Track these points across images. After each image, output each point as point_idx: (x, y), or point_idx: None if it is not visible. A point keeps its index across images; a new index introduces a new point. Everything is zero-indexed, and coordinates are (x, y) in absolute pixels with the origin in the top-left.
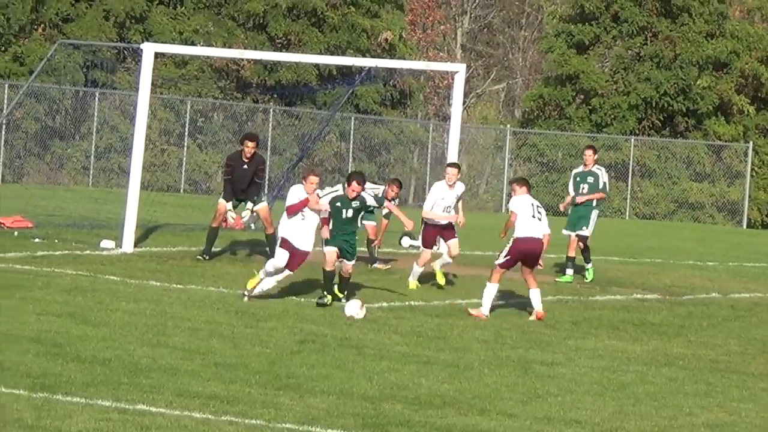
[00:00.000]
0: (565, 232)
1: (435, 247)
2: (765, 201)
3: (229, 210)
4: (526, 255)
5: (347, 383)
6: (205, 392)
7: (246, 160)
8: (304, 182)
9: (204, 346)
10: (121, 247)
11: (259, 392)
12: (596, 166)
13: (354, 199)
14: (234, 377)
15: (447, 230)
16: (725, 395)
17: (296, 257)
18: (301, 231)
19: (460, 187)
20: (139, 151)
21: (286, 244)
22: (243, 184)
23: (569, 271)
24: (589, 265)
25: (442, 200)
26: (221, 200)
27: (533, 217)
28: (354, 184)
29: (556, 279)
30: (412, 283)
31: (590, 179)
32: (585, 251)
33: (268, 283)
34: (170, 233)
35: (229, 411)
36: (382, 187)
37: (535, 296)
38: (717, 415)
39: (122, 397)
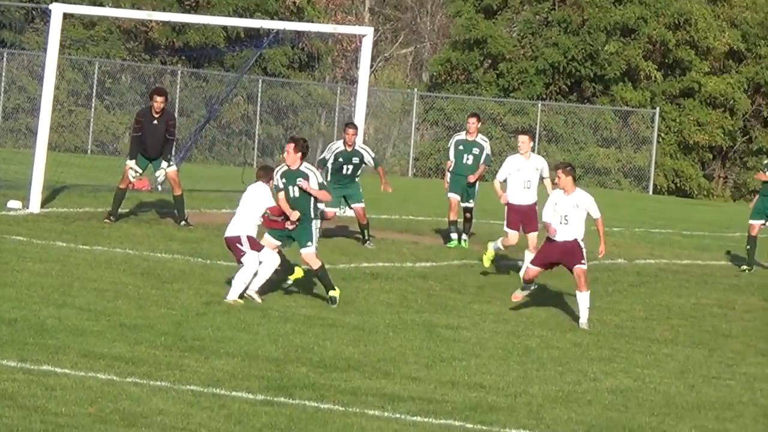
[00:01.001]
0: (451, 195)
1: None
2: (671, 167)
3: (131, 168)
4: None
5: (252, 345)
6: (110, 353)
7: (156, 116)
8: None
9: (110, 307)
10: (27, 208)
11: (164, 354)
12: (480, 136)
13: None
14: (139, 338)
15: (529, 219)
16: (629, 361)
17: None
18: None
19: (538, 161)
20: (46, 112)
21: (255, 242)
22: (153, 141)
23: (454, 236)
24: (467, 237)
25: (517, 172)
26: (128, 161)
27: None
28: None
29: (447, 245)
30: (487, 258)
31: (475, 150)
32: (468, 222)
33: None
34: (77, 194)
35: (134, 372)
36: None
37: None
38: (621, 381)
39: (27, 358)
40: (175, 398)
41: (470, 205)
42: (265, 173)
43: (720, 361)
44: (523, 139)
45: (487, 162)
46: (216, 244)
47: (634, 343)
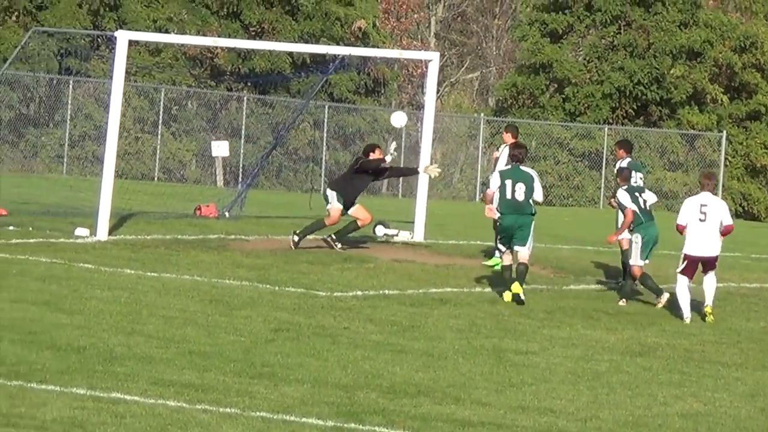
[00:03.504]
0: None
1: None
2: (738, 190)
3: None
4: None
5: (321, 372)
6: (179, 380)
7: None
8: None
9: (178, 334)
10: (95, 235)
11: (233, 380)
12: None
13: None
14: (208, 365)
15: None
16: (699, 385)
17: None
18: None
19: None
20: (113, 139)
21: None
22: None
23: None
24: None
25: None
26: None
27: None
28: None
29: (484, 263)
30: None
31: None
32: None
33: None
34: (144, 221)
35: (204, 399)
36: None
37: None
38: (691, 405)
39: (97, 385)
40: (245, 425)
41: None
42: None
43: None
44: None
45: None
46: (284, 270)
47: (703, 367)
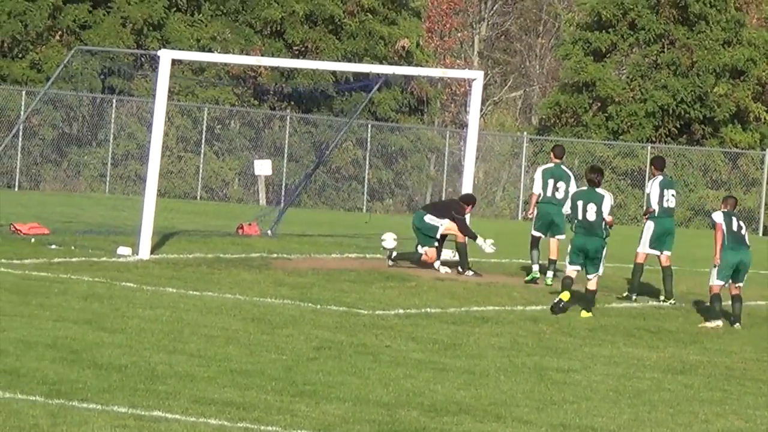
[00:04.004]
0: (537, 233)
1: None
2: None
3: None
4: None
5: (363, 390)
6: (221, 399)
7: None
8: None
9: (220, 352)
10: (137, 254)
11: (274, 399)
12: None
13: None
14: (250, 384)
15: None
16: (740, 402)
17: None
18: None
19: None
20: (155, 158)
21: None
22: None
23: (550, 273)
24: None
25: None
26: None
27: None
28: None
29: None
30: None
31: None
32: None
33: None
34: (186, 240)
35: (245, 417)
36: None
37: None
38: (732, 422)
39: (138, 404)
40: None
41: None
42: None
43: None
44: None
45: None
46: (326, 288)
47: (745, 385)
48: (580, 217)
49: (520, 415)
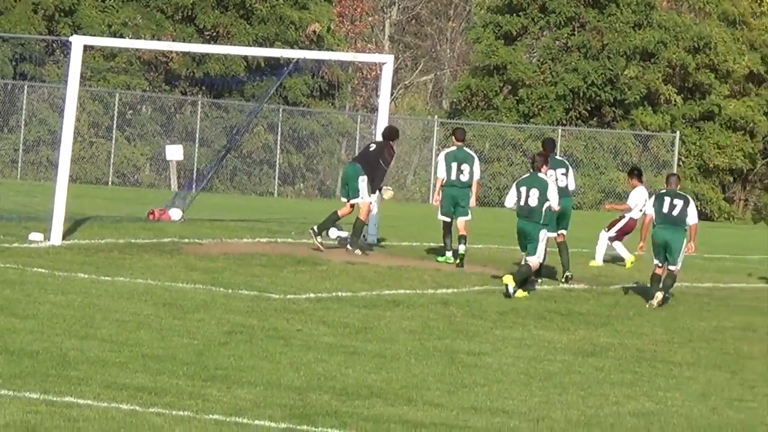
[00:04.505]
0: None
1: None
2: (691, 190)
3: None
4: None
5: (274, 374)
6: (132, 384)
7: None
8: None
9: (132, 337)
10: (49, 240)
11: (186, 383)
12: None
13: None
14: (161, 369)
15: None
16: (651, 384)
17: None
18: None
19: None
20: (67, 144)
21: None
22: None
23: (462, 247)
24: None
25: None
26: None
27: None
28: None
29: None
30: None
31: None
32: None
33: None
34: (98, 226)
35: (157, 402)
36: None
37: None
38: (643, 404)
39: (50, 390)
40: (198, 428)
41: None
42: None
43: (742, 384)
44: None
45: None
46: (237, 273)
47: (656, 367)
48: (522, 203)
49: (431, 398)
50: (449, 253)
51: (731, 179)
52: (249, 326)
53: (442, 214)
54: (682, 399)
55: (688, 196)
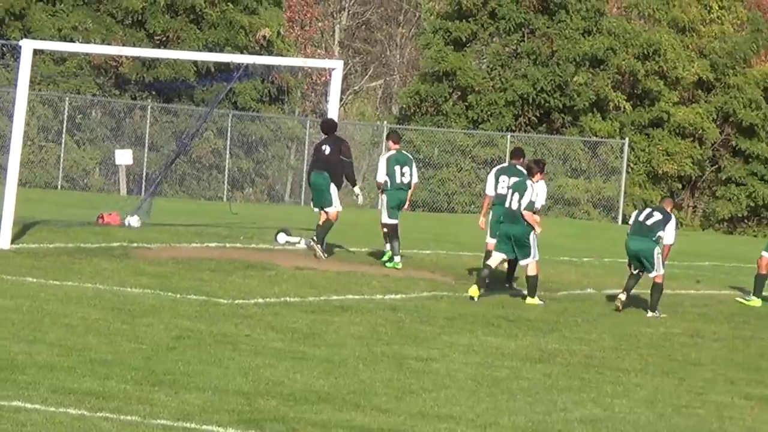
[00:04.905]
0: (393, 221)
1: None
2: (640, 197)
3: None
4: None
5: (222, 379)
6: (80, 388)
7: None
8: None
9: (80, 342)
10: None
11: (134, 388)
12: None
13: None
14: (109, 373)
15: None
16: (599, 391)
17: None
18: None
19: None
20: (16, 148)
21: None
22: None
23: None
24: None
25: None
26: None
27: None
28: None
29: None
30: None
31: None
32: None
33: None
34: (47, 230)
35: (105, 407)
36: None
37: None
38: (591, 411)
39: None
40: None
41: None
42: None
43: (689, 390)
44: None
45: None
46: (186, 278)
47: (603, 373)
48: (506, 204)
49: (378, 404)
50: (397, 258)
51: (680, 186)
52: (197, 331)
53: (390, 217)
54: (630, 406)
55: (672, 215)
